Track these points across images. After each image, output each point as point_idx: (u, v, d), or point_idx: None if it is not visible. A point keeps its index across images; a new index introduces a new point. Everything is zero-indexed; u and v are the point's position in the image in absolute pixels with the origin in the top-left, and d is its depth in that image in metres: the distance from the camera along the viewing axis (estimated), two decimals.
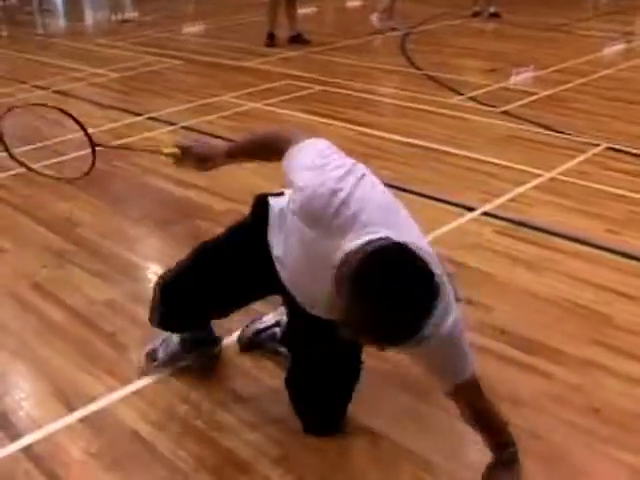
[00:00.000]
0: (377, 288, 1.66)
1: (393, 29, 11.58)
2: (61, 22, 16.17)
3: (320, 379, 2.75)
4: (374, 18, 11.63)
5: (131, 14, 15.07)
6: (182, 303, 2.90)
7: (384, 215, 2.10)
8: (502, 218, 4.79)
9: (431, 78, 8.55)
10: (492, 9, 12.79)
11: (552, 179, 5.44)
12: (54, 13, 16.86)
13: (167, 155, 2.78)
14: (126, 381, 3.23)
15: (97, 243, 4.68)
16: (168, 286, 2.95)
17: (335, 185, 2.09)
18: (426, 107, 7.31)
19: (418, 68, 9.07)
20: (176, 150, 2.76)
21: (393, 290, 1.66)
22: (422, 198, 5.11)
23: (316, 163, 2.19)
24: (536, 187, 5.30)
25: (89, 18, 16.74)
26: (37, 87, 9.09)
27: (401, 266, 1.70)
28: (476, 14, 12.97)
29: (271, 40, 10.91)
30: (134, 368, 3.32)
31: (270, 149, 2.44)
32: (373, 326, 1.70)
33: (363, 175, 2.18)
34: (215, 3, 16.53)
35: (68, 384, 3.25)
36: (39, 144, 6.80)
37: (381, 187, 2.23)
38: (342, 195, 2.07)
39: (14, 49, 12.04)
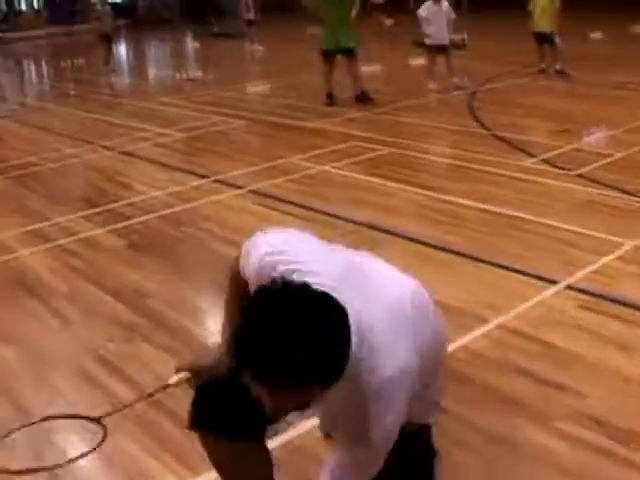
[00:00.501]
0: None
1: (458, 88, 11.46)
2: (126, 81, 16.41)
3: None
4: (455, 80, 11.57)
5: (195, 73, 15.23)
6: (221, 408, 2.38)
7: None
8: (586, 292, 4.54)
9: (500, 139, 8.36)
10: (558, 66, 12.61)
11: (637, 248, 5.18)
12: (119, 73, 17.13)
13: (178, 384, 2.50)
14: (196, 471, 3.05)
15: (165, 315, 4.56)
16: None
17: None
18: (497, 170, 7.11)
19: (486, 128, 8.90)
20: (184, 375, 2.42)
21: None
22: (498, 269, 4.89)
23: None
24: (620, 257, 5.04)
25: (153, 77, 16.98)
26: (104, 147, 9.14)
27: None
28: (542, 71, 12.80)
29: (330, 100, 10.89)
30: (204, 457, 3.13)
31: (239, 286, 2.30)
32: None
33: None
34: (278, 62, 16.68)
35: (134, 468, 3.09)
36: (105, 207, 6.75)
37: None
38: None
39: (82, 109, 12.22)
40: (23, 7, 33.35)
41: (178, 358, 3.97)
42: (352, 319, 1.71)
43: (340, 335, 1.66)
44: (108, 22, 16.94)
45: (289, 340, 1.57)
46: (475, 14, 11.88)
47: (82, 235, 6.07)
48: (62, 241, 5.97)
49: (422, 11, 11.70)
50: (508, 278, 4.76)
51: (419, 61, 14.81)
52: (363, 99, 10.65)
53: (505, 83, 12.19)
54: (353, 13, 10.68)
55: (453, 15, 11.68)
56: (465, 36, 13.14)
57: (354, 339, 1.72)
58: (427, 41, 11.85)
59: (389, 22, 22.71)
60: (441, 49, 11.73)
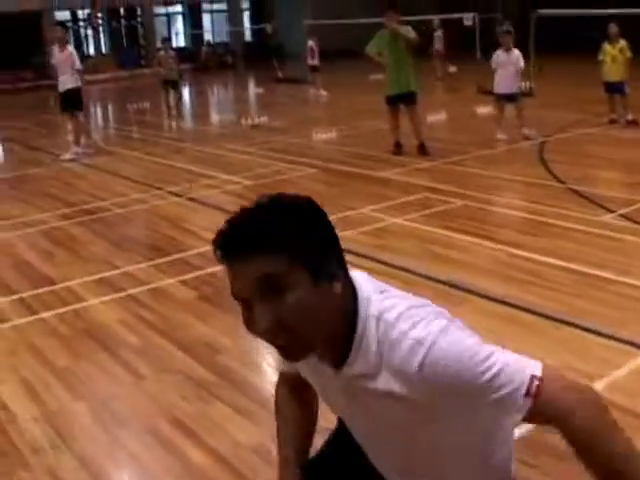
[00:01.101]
0: None
1: (526, 138, 11.27)
2: (191, 126, 16.53)
3: None
4: (525, 131, 11.40)
5: (260, 119, 15.28)
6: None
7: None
8: None
9: (575, 192, 8.13)
10: (630, 117, 12.36)
11: None
12: (184, 117, 17.28)
13: None
14: None
15: (238, 372, 4.42)
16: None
17: None
18: (575, 225, 6.89)
19: (560, 181, 8.67)
20: None
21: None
22: (584, 332, 4.66)
23: None
24: None
25: (217, 122, 17.09)
26: (171, 193, 9.13)
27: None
28: (613, 121, 12.56)
29: (397, 149, 10.81)
30: None
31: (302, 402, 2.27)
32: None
33: None
34: (342, 108, 16.68)
35: None
36: (174, 256, 6.69)
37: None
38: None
39: (148, 152, 12.31)
40: (91, 51, 34.07)
41: (256, 423, 3.84)
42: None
43: (296, 211, 1.67)
44: (173, 67, 17.10)
45: (252, 215, 1.65)
46: (543, 61, 11.69)
47: (152, 285, 5.99)
48: (132, 291, 5.91)
49: (493, 60, 11.57)
50: (596, 344, 4.52)
51: (486, 109, 14.68)
52: (421, 151, 10.54)
53: (575, 133, 11.95)
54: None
55: (522, 64, 11.51)
56: (532, 84, 12.97)
57: (372, 322, 1.74)
58: (495, 90, 11.69)
59: (453, 69, 22.63)
60: (509, 98, 11.55)
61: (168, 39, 19.97)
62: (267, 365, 4.57)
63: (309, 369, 1.96)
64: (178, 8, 37.26)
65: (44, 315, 5.56)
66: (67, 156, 12.15)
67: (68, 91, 12.35)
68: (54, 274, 6.48)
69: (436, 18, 22.49)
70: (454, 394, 1.65)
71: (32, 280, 6.37)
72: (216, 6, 37.77)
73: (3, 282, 6.36)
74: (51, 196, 9.61)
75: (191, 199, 8.77)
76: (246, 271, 1.59)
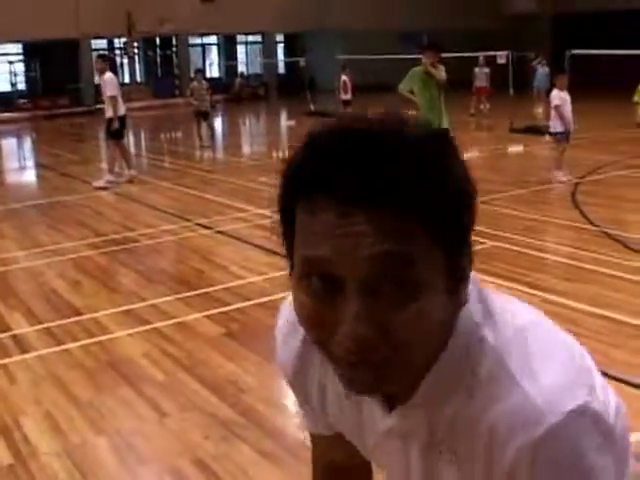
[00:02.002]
0: None
1: (560, 182, 11.14)
2: (222, 157, 16.56)
3: None
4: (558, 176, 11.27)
5: None
6: None
7: None
8: None
9: (609, 236, 8.00)
10: None
11: None
12: (215, 148, 17.34)
13: None
14: None
15: (263, 414, 4.34)
16: None
17: None
18: (610, 271, 6.76)
19: (593, 224, 8.55)
20: None
21: None
22: (622, 384, 4.52)
23: None
24: None
25: (249, 154, 17.13)
26: (201, 226, 9.11)
27: None
28: None
29: None
30: None
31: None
32: None
33: None
34: None
35: None
36: (202, 290, 6.63)
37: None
38: None
39: (178, 183, 12.34)
40: (126, 79, 34.44)
41: (282, 468, 3.75)
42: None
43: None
44: (205, 98, 17.17)
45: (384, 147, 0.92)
46: (577, 101, 11.68)
47: (179, 319, 5.94)
48: (158, 324, 5.86)
49: (555, 97, 11.32)
50: (632, 394, 4.40)
51: (518, 148, 14.63)
52: None
53: (610, 174, 11.81)
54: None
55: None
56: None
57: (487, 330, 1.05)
58: (557, 129, 11.43)
59: (486, 107, 22.60)
60: (568, 136, 11.39)
61: (201, 70, 20.07)
62: (294, 408, 4.49)
63: (345, 416, 1.28)
64: (213, 39, 37.63)
65: (69, 346, 5.53)
66: (99, 183, 12.20)
67: (108, 120, 12.51)
68: (81, 304, 6.45)
69: (480, 55, 22.53)
70: None
71: (59, 309, 6.34)
72: (251, 38, 38.09)
73: (30, 310, 6.34)
74: (81, 224, 9.62)
75: (220, 232, 8.75)
76: (358, 237, 0.90)
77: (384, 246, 0.89)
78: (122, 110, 12.57)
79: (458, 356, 1.04)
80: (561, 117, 11.20)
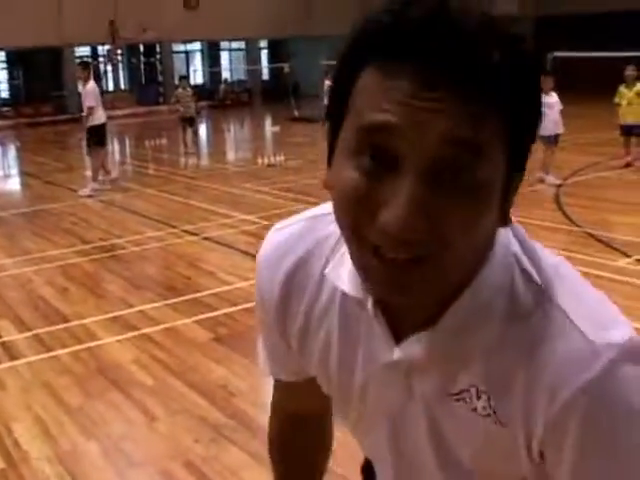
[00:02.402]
0: None
1: (541, 181, 11.26)
2: (207, 164, 16.60)
3: None
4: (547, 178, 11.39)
5: (276, 158, 15.35)
6: None
7: None
8: None
9: (591, 236, 8.11)
10: None
11: None
12: (200, 155, 17.38)
13: None
14: None
15: (252, 416, 4.39)
16: None
17: None
18: (592, 270, 6.83)
19: (576, 224, 8.66)
20: None
21: None
22: None
23: None
24: None
25: (234, 161, 17.17)
26: (187, 232, 9.15)
27: None
28: (628, 165, 12.56)
29: None
30: None
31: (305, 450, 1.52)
32: None
33: None
34: None
35: None
36: (189, 296, 6.68)
37: None
38: None
39: (164, 190, 12.37)
40: (110, 87, 34.42)
41: (268, 468, 3.80)
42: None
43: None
44: (190, 105, 17.18)
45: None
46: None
47: (167, 325, 5.99)
48: (146, 330, 5.90)
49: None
50: None
51: None
52: None
53: (592, 176, 11.95)
54: None
55: (561, 106, 11.50)
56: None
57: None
58: (542, 132, 11.52)
59: None
60: (555, 139, 11.47)
61: (186, 77, 20.06)
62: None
63: (335, 356, 1.14)
64: (197, 46, 37.66)
65: (58, 352, 5.56)
66: (85, 191, 12.22)
67: (87, 129, 12.55)
68: (69, 311, 6.49)
69: None
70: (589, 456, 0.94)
71: (47, 316, 6.37)
72: (234, 44, 38.12)
73: (18, 318, 6.37)
74: (67, 232, 9.65)
75: (206, 238, 8.79)
76: (436, 113, 0.81)
77: (461, 131, 0.81)
78: (102, 118, 12.60)
79: (498, 281, 0.97)
80: (547, 121, 11.27)
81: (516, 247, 1.00)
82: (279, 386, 1.38)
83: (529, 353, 0.94)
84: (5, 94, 33.17)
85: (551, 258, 1.03)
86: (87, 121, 12.49)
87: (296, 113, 24.84)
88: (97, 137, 12.51)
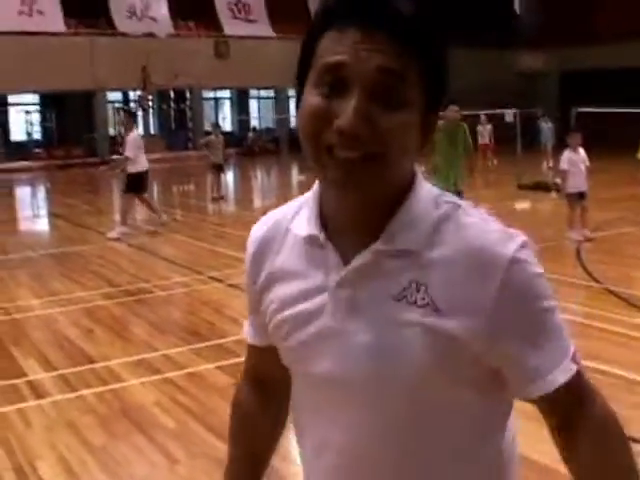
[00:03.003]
0: None
1: (588, 239, 11.18)
2: (234, 210, 16.81)
3: None
4: (587, 232, 11.32)
5: None
6: None
7: None
8: None
9: (612, 293, 8.15)
10: None
11: None
12: (227, 201, 17.59)
13: None
14: None
15: (274, 466, 4.45)
16: None
17: None
18: (611, 327, 6.90)
19: (597, 281, 8.71)
20: None
21: None
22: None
23: None
24: None
25: (260, 208, 17.35)
26: (213, 278, 9.30)
27: None
28: None
29: None
30: None
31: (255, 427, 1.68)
32: None
33: None
34: None
35: None
36: (213, 341, 6.80)
37: None
38: None
39: (188, 235, 12.55)
40: (141, 131, 34.91)
41: None
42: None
43: None
44: (219, 151, 17.47)
45: None
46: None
47: (190, 369, 6.10)
48: (169, 374, 6.02)
49: (564, 160, 11.32)
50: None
51: (525, 205, 14.83)
52: None
53: (615, 231, 12.00)
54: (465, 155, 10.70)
55: (588, 162, 11.41)
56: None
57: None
58: (568, 189, 11.45)
59: (493, 163, 22.89)
60: (582, 196, 11.34)
61: (219, 125, 20.32)
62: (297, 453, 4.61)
63: (295, 280, 1.35)
64: (226, 93, 38.23)
65: (83, 392, 5.68)
66: (113, 234, 12.43)
67: (126, 175, 12.87)
68: (94, 352, 6.62)
69: (481, 114, 22.89)
70: (522, 315, 1.23)
71: (73, 357, 6.51)
72: (263, 93, 38.68)
73: (45, 357, 6.51)
74: (95, 274, 9.84)
75: (231, 285, 8.92)
76: (373, 52, 1.17)
77: (391, 63, 1.17)
78: (141, 167, 12.81)
79: (425, 202, 1.28)
80: (564, 180, 11.34)
81: (436, 190, 1.33)
82: (252, 352, 1.59)
83: (460, 246, 1.23)
84: (38, 136, 33.81)
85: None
86: (129, 167, 12.71)
87: None
88: (134, 184, 12.74)
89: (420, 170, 1.31)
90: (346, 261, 1.27)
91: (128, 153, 12.66)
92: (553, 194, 16.53)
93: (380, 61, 1.16)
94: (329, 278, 1.29)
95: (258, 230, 1.48)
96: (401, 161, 1.22)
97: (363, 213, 1.26)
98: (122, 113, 13.77)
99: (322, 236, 1.30)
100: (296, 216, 1.41)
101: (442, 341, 1.21)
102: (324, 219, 1.32)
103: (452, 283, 1.22)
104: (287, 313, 1.35)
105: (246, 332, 1.57)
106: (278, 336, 1.39)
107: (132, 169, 12.70)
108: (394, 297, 1.24)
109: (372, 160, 1.17)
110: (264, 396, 1.64)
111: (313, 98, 1.21)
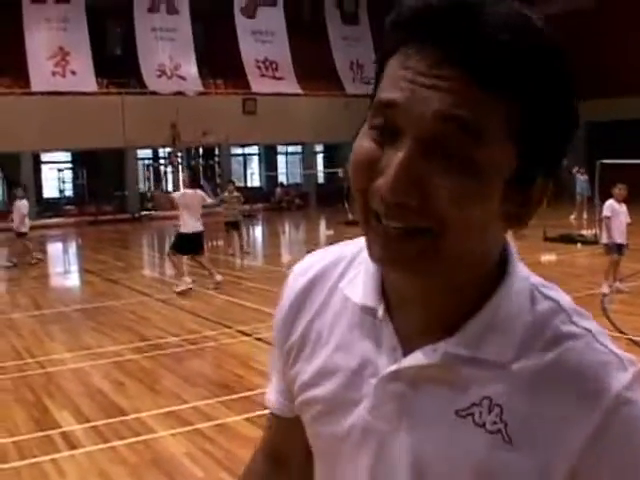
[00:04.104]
0: None
1: (620, 291, 11.28)
2: (260, 265, 17.00)
3: None
4: (618, 284, 11.41)
5: None
6: None
7: None
8: None
9: (635, 344, 8.21)
10: None
11: None
12: (254, 255, 17.78)
13: None
14: None
15: None
16: None
17: None
18: None
19: (620, 331, 8.77)
20: None
21: None
22: None
23: None
24: None
25: (287, 263, 17.55)
26: (241, 332, 9.46)
27: None
28: None
29: None
30: None
31: None
32: None
33: None
34: None
35: None
36: (241, 394, 6.94)
37: None
38: None
39: (218, 290, 12.71)
40: (170, 188, 35.44)
41: None
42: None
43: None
44: (235, 208, 17.37)
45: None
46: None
47: (218, 421, 6.24)
48: (199, 425, 6.15)
49: (607, 208, 11.35)
50: None
51: (551, 257, 14.89)
52: None
53: (639, 282, 12.04)
54: None
55: (629, 219, 11.45)
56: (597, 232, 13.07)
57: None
58: (608, 240, 11.46)
59: None
60: (620, 248, 11.30)
61: (232, 181, 20.01)
62: None
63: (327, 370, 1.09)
64: (254, 149, 38.73)
65: (115, 443, 5.84)
66: (180, 288, 12.57)
67: (177, 233, 13.01)
68: (126, 404, 6.78)
69: None
70: (619, 467, 0.91)
71: (105, 409, 6.67)
72: (291, 149, 39.13)
73: (78, 409, 6.68)
74: (126, 328, 10.04)
75: (259, 339, 9.08)
76: (436, 90, 0.86)
77: (458, 109, 0.85)
78: (190, 228, 12.78)
79: (519, 298, 0.98)
80: (608, 229, 11.31)
81: (532, 278, 1.02)
82: (274, 422, 1.32)
83: (558, 366, 0.94)
84: (69, 193, 34.40)
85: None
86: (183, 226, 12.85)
87: (350, 216, 25.29)
88: (180, 244, 12.83)
89: (514, 249, 1.02)
90: (406, 346, 1.00)
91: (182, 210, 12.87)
92: (579, 246, 16.61)
93: (441, 105, 0.85)
94: (379, 362, 1.02)
95: (297, 279, 1.19)
96: (466, 241, 0.90)
97: (430, 300, 0.98)
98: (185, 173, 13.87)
99: (381, 310, 1.03)
100: (348, 272, 1.13)
101: (499, 476, 0.94)
102: (385, 288, 1.04)
103: (536, 410, 0.93)
104: (321, 391, 1.09)
105: (268, 399, 1.30)
106: (306, 414, 1.14)
107: (181, 229, 12.87)
108: (458, 411, 0.96)
109: (422, 237, 0.89)
110: (280, 470, 1.35)
111: (364, 142, 0.93)
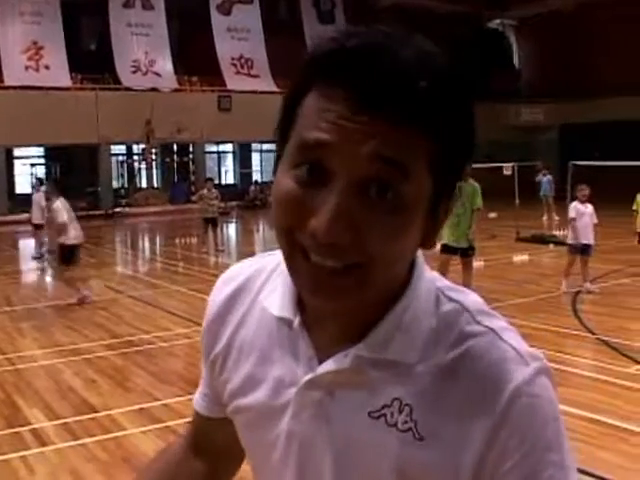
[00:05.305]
0: None
1: (589, 292, 11.37)
2: (233, 262, 16.86)
3: None
4: (588, 285, 11.48)
5: None
6: None
7: None
8: None
9: (605, 343, 8.32)
10: None
11: None
12: (228, 253, 17.75)
13: None
14: None
15: None
16: None
17: None
18: (603, 377, 7.06)
19: (591, 331, 8.87)
20: None
21: None
22: None
23: None
24: None
25: None
26: None
27: None
28: None
29: None
30: None
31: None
32: None
33: None
34: None
35: None
36: None
37: None
38: None
39: (189, 287, 12.70)
40: (144, 184, 35.29)
41: None
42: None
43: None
44: (214, 204, 17.59)
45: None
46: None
47: (191, 418, 6.21)
48: (171, 423, 6.15)
49: (573, 209, 11.45)
50: None
51: (523, 257, 15.00)
52: None
53: (611, 283, 12.18)
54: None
55: (596, 219, 11.55)
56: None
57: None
58: (573, 240, 11.56)
59: (492, 215, 23.10)
60: (585, 249, 11.39)
61: (211, 178, 20.59)
62: None
63: (248, 378, 1.14)
64: (229, 147, 38.65)
65: (86, 440, 5.82)
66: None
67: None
68: (97, 402, 6.76)
69: (482, 166, 23.12)
70: (517, 463, 0.93)
71: (76, 406, 6.65)
72: (265, 146, 39.06)
73: (49, 406, 6.65)
74: (98, 325, 9.99)
75: None
76: (365, 135, 0.88)
77: (387, 151, 0.88)
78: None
79: (424, 302, 1.03)
80: (573, 230, 11.42)
81: (439, 282, 1.07)
82: (199, 420, 1.36)
83: (461, 364, 0.98)
84: (42, 188, 34.11)
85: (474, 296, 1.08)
86: None
87: None
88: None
89: (419, 256, 1.05)
90: (322, 355, 1.04)
91: None
92: (551, 246, 16.75)
93: (373, 147, 0.88)
94: (298, 371, 1.06)
95: (222, 289, 1.24)
96: (392, 269, 0.95)
97: (345, 314, 1.01)
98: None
99: (297, 322, 1.07)
100: (267, 284, 1.16)
101: (416, 473, 0.98)
102: (302, 300, 1.06)
103: (443, 408, 0.97)
104: (249, 400, 1.13)
105: (196, 401, 1.36)
106: (237, 421, 1.18)
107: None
108: (371, 413, 1.01)
109: (352, 274, 0.92)
110: (202, 463, 1.38)
111: (287, 182, 0.93)
